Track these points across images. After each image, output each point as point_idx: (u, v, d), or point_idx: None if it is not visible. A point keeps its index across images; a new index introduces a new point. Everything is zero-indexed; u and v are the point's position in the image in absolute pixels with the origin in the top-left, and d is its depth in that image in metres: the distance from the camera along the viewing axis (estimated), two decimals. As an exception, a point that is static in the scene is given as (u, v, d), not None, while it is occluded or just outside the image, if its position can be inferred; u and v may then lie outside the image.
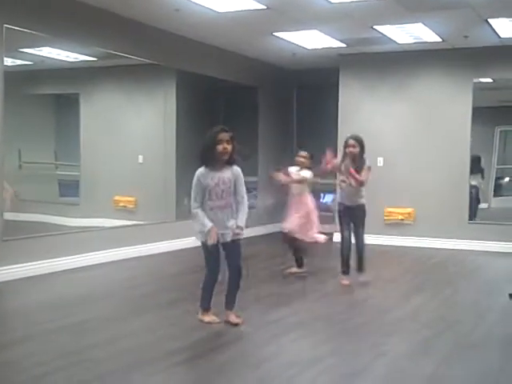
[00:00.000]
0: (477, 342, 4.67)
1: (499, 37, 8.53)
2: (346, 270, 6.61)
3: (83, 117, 8.93)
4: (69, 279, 6.75)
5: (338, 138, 10.26)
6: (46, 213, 8.51)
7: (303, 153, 7.09)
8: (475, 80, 9.53)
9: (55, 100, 9.61)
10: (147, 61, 8.47)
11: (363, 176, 6.39)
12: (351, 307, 5.72)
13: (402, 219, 9.83)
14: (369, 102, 10.17)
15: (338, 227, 6.77)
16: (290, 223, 6.98)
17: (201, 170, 4.73)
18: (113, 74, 9.03)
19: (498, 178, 10.68)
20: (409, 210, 9.81)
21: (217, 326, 4.82)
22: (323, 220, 10.94)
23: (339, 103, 10.26)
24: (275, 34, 8.67)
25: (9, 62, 6.94)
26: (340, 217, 6.65)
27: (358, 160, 6.42)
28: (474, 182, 9.84)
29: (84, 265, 7.25)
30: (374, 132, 10.10)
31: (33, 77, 8.66)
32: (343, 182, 6.51)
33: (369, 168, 6.46)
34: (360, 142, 6.43)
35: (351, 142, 6.42)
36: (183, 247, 8.53)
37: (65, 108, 9.49)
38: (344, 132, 10.22)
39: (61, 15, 6.98)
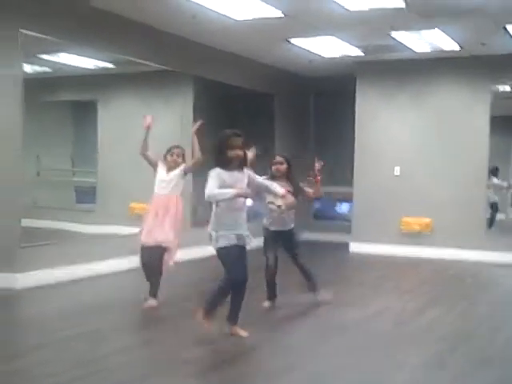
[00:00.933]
0: (493, 355, 4.61)
1: (518, 44, 8.46)
2: (270, 295, 5.93)
3: (101, 123, 8.99)
4: (85, 287, 6.75)
5: (355, 145, 10.24)
6: (63, 219, 8.56)
7: (177, 149, 5.96)
8: (493, 88, 9.45)
9: (73, 106, 9.68)
10: (165, 67, 8.49)
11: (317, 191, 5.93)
12: (368, 318, 5.67)
13: (420, 231, 9.73)
14: (386, 110, 10.12)
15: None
16: (150, 234, 5.80)
17: (217, 169, 4.59)
18: (130, 81, 9.07)
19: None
20: (426, 220, 9.72)
21: (227, 336, 4.77)
22: (340, 229, 11.01)
23: (356, 111, 10.21)
24: (292, 40, 8.66)
25: (28, 68, 7.00)
26: (266, 243, 5.90)
27: (291, 180, 5.86)
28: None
29: (101, 272, 7.22)
30: (391, 140, 10.05)
31: (51, 83, 8.73)
32: (271, 203, 5.71)
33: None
34: (287, 160, 5.91)
35: (278, 158, 5.89)
36: (199, 255, 8.49)
37: (83, 114, 9.56)
38: (361, 140, 10.20)
39: (78, 21, 6.98)
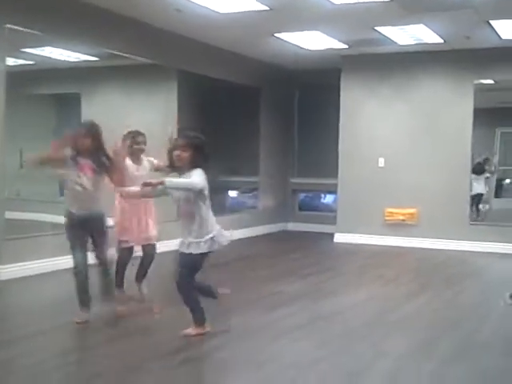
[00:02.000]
0: (479, 342, 4.68)
1: (500, 38, 8.53)
2: (84, 302, 4.90)
3: (84, 116, 8.93)
4: (69, 278, 6.72)
5: (339, 137, 10.29)
6: (46, 212, 8.51)
7: (141, 137, 5.52)
8: (476, 81, 9.53)
9: (56, 100, 9.62)
10: (148, 61, 8.47)
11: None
12: (352, 307, 5.72)
13: (404, 220, 9.82)
14: (370, 102, 10.17)
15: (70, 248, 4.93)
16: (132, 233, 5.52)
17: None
18: (114, 74, 9.03)
19: (499, 180, 10.69)
20: (411, 210, 9.79)
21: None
22: (325, 220, 11.07)
23: (341, 104, 10.25)
24: (277, 34, 8.68)
25: (11, 61, 6.94)
26: (71, 232, 4.89)
27: (94, 154, 4.86)
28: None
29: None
30: (375, 133, 10.11)
31: (34, 76, 8.66)
32: (76, 182, 4.79)
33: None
34: (92, 131, 4.94)
35: (82, 130, 4.93)
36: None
37: (66, 108, 9.49)
38: (346, 132, 10.24)
39: (62, 15, 6.98)
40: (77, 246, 4.84)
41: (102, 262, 4.98)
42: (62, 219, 8.30)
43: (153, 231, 5.71)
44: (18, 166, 8.48)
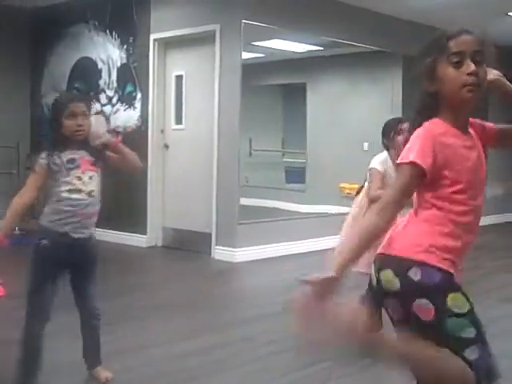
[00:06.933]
0: None
1: None
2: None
3: (310, 105, 9.18)
4: (295, 263, 6.95)
5: None
6: (273, 198, 8.90)
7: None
8: None
9: (283, 90, 9.99)
10: (373, 48, 8.41)
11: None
12: None
13: None
14: None
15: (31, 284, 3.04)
16: None
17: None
18: (338, 63, 9.14)
19: None
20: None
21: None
22: None
23: None
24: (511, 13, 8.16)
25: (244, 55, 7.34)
26: (43, 266, 2.98)
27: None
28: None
29: (312, 249, 7.31)
30: None
31: (263, 69, 9.08)
32: (72, 189, 2.99)
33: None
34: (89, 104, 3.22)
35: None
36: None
37: (292, 97, 9.82)
38: None
39: (294, 8, 7.20)
40: (45, 290, 2.98)
41: (92, 314, 3.21)
42: (288, 206, 8.71)
43: None
44: (247, 154, 8.98)
